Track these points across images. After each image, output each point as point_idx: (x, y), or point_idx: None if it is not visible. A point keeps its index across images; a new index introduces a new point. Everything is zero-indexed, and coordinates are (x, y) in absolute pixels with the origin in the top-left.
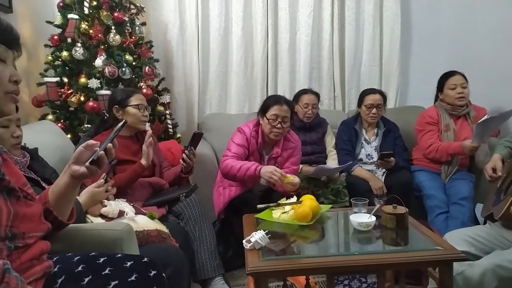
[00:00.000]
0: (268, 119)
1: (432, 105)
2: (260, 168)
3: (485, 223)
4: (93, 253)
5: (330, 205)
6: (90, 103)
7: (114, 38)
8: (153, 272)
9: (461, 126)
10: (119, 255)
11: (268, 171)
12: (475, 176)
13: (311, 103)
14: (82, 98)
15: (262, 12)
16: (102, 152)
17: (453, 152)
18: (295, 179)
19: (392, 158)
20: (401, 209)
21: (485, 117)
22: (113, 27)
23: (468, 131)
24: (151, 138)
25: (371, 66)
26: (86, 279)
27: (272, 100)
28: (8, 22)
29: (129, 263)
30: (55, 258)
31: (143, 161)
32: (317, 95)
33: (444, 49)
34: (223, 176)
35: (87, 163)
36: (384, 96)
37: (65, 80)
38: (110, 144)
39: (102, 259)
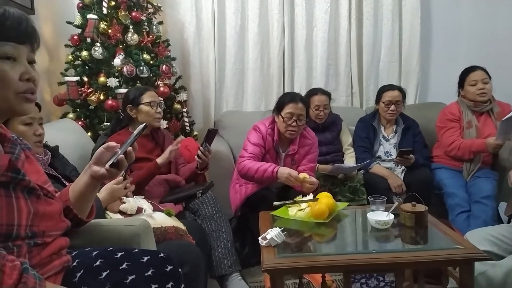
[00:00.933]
0: (283, 118)
1: (454, 101)
2: (277, 170)
3: (509, 222)
4: (111, 248)
5: (347, 203)
6: (109, 102)
7: (132, 37)
8: (169, 267)
9: (484, 123)
10: (136, 250)
11: (284, 174)
12: (499, 174)
13: (322, 104)
14: (101, 97)
15: (278, 9)
16: (122, 156)
17: (475, 150)
18: (312, 179)
19: (411, 155)
20: (421, 207)
21: (511, 114)
22: (131, 27)
23: (491, 128)
24: (179, 145)
25: (389, 62)
26: (104, 274)
27: (287, 98)
28: (19, 15)
29: (145, 258)
30: (74, 253)
31: (158, 160)
32: (327, 94)
33: (466, 43)
34: (241, 177)
35: (107, 166)
36: (403, 93)
37: (85, 79)
38: (130, 148)
39: (119, 254)
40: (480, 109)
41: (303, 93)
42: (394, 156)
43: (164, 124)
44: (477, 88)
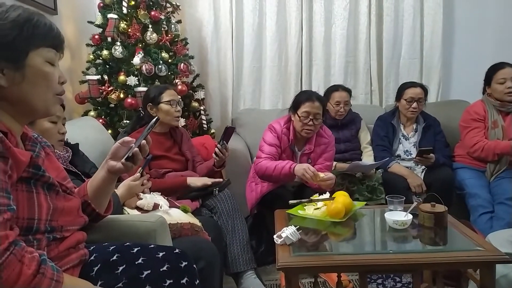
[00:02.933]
0: (299, 116)
1: (478, 100)
2: (294, 166)
3: None
4: (127, 243)
5: (364, 202)
6: (129, 100)
7: (151, 36)
8: (184, 263)
9: (510, 123)
10: (152, 246)
11: (302, 168)
12: None
13: (343, 100)
14: (121, 95)
15: (296, 6)
16: (136, 149)
17: (500, 152)
18: (328, 175)
19: (431, 155)
20: (440, 208)
21: None
22: (150, 26)
23: None
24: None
25: (410, 59)
26: (120, 268)
27: (303, 97)
28: (56, 26)
29: (161, 254)
30: (92, 247)
31: (189, 181)
32: (348, 91)
33: (490, 39)
34: (259, 178)
35: (123, 160)
36: (425, 90)
37: (106, 77)
38: (144, 141)
39: (135, 249)
40: (507, 109)
41: (321, 91)
42: (414, 155)
43: (182, 122)
44: (506, 86)
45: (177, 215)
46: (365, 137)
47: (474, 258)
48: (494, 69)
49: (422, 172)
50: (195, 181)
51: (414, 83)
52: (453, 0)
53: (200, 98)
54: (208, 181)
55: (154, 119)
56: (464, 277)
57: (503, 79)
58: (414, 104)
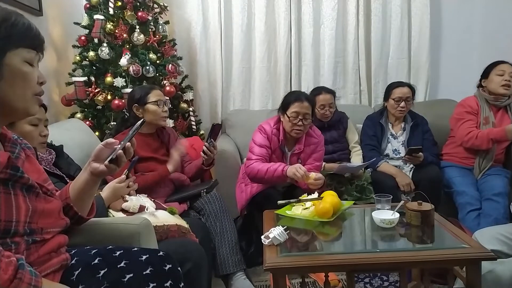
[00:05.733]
0: (289, 117)
1: (471, 95)
2: (287, 169)
3: None
4: (110, 247)
5: (353, 202)
6: (116, 102)
7: (138, 37)
8: (168, 266)
9: (501, 119)
10: (135, 249)
11: (292, 170)
12: (511, 172)
13: (327, 103)
14: (108, 97)
15: (285, 6)
16: (120, 151)
17: (494, 137)
18: (317, 175)
19: (420, 154)
20: (427, 206)
21: None
22: (137, 27)
23: (508, 124)
24: (183, 148)
25: (399, 59)
26: (102, 272)
27: (292, 97)
28: (36, 27)
29: (144, 257)
30: (73, 251)
31: (169, 167)
32: (332, 92)
33: (477, 39)
34: (251, 180)
35: (106, 162)
36: (412, 89)
37: (92, 79)
38: (128, 143)
39: (118, 252)
40: (500, 102)
41: (310, 92)
42: (402, 154)
43: (170, 123)
44: (503, 79)
45: (163, 217)
46: (352, 136)
47: (460, 256)
48: (495, 63)
49: (410, 171)
50: (174, 164)
51: (401, 82)
52: (440, 0)
53: (189, 99)
54: (176, 152)
55: (140, 121)
56: (450, 274)
57: (502, 71)
58: (402, 104)
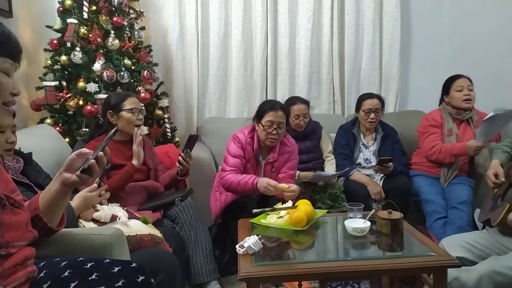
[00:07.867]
0: (263, 126)
1: (436, 109)
2: (257, 181)
3: (483, 228)
4: (80, 258)
5: (326, 210)
6: (88, 107)
7: (113, 42)
8: (141, 278)
9: (464, 131)
10: (107, 260)
11: (263, 184)
12: (474, 181)
13: (302, 113)
14: (80, 102)
15: (262, 16)
16: (93, 161)
17: (456, 153)
18: (291, 187)
19: (390, 164)
20: (396, 215)
21: (491, 113)
22: (112, 32)
23: (470, 136)
24: (141, 137)
25: (371, 70)
26: (73, 285)
27: (267, 106)
28: (15, 36)
29: (116, 269)
30: (42, 263)
31: (134, 162)
32: (306, 103)
33: (445, 53)
34: (226, 190)
35: (78, 172)
36: (382, 101)
37: (64, 84)
38: (101, 153)
39: (89, 264)
40: (462, 116)
41: (285, 101)
42: (373, 163)
43: (145, 130)
44: (463, 94)
45: (136, 227)
46: (326, 146)
47: (428, 263)
48: (452, 79)
49: (381, 179)
50: (137, 158)
51: (371, 94)
52: (411, 15)
53: (164, 106)
54: (137, 137)
55: (113, 130)
56: (419, 281)
57: (461, 86)
58: (372, 115)
